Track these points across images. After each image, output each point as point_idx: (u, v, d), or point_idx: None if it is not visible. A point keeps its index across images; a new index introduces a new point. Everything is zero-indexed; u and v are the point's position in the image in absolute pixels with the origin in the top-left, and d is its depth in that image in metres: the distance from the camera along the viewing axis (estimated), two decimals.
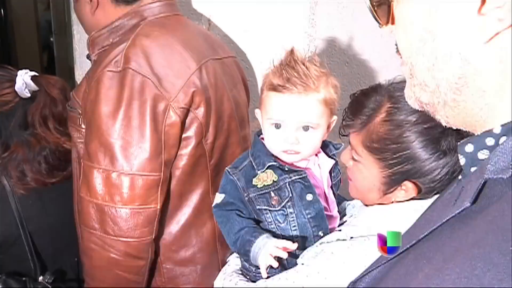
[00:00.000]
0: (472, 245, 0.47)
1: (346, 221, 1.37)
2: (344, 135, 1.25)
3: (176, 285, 1.54)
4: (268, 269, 1.20)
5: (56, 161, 1.66)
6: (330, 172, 1.38)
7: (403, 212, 1.13)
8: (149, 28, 1.44)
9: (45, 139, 1.64)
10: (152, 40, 1.40)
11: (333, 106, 1.30)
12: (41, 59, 3.67)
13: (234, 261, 1.45)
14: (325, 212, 1.33)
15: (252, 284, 1.32)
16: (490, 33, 0.53)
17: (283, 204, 1.29)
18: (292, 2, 2.20)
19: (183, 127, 1.39)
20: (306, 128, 1.27)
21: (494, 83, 0.55)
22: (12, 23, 3.61)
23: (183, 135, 1.41)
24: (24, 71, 1.68)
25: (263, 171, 1.29)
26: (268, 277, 1.26)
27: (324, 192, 1.36)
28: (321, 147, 1.37)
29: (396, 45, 0.66)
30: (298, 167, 1.32)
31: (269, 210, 1.29)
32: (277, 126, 1.28)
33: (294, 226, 1.30)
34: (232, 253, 1.48)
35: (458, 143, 0.61)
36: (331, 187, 1.39)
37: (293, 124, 1.26)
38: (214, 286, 1.42)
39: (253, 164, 1.31)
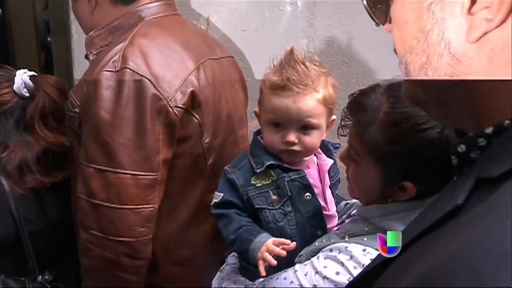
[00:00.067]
0: (462, 242, 0.47)
1: (344, 220, 1.37)
2: (342, 135, 1.25)
3: (174, 284, 1.54)
4: (266, 268, 1.21)
5: (55, 161, 1.66)
6: (328, 172, 1.38)
7: (402, 212, 1.13)
8: (147, 28, 1.44)
9: (44, 139, 1.64)
10: (150, 40, 1.40)
11: (333, 106, 1.31)
12: (39, 59, 3.66)
13: (232, 261, 1.45)
14: (324, 212, 1.33)
15: (250, 284, 1.33)
16: (479, 33, 0.53)
17: (281, 203, 1.29)
18: (290, 2, 2.21)
19: (180, 126, 1.39)
20: (305, 128, 1.27)
21: (485, 82, 0.56)
22: (10, 22, 3.59)
23: (181, 135, 1.41)
24: (22, 70, 1.68)
25: (262, 170, 1.30)
26: (266, 276, 1.27)
27: (323, 192, 1.36)
28: (320, 147, 1.37)
29: (394, 44, 0.66)
30: (297, 166, 1.32)
31: (268, 209, 1.30)
32: (277, 125, 1.28)
33: (293, 225, 1.30)
34: (231, 252, 1.49)
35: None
36: (330, 187, 1.39)
37: (292, 124, 1.27)
38: (212, 286, 1.43)
39: (252, 163, 1.32)
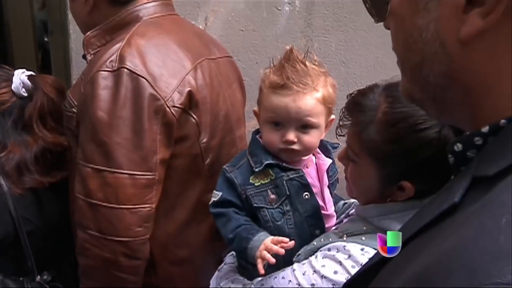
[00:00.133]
0: (458, 240, 0.47)
1: (342, 220, 1.37)
2: (341, 135, 1.25)
3: (172, 284, 1.54)
4: (265, 266, 1.21)
5: (54, 160, 1.66)
6: (327, 172, 1.38)
7: (400, 212, 1.14)
8: (144, 28, 1.44)
9: (42, 138, 1.63)
10: (147, 39, 1.40)
11: (332, 105, 1.31)
12: (37, 59, 3.66)
13: (230, 260, 1.45)
14: (322, 211, 1.34)
15: (248, 283, 1.33)
16: (473, 32, 0.53)
17: (280, 202, 1.30)
18: (288, 2, 2.21)
19: (178, 126, 1.39)
20: (304, 127, 1.28)
21: (480, 81, 0.56)
22: (8, 22, 3.59)
23: (179, 135, 1.41)
24: (21, 70, 1.67)
25: (261, 169, 1.30)
26: (264, 275, 1.27)
27: (321, 191, 1.36)
28: (319, 147, 1.37)
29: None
30: (296, 165, 1.33)
31: (266, 208, 1.30)
32: (276, 124, 1.29)
33: (291, 224, 1.30)
34: (229, 252, 1.49)
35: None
36: (328, 186, 1.39)
37: (292, 123, 1.27)
38: (210, 285, 1.43)
39: (251, 162, 1.32)
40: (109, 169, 1.32)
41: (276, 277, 1.26)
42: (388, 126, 1.11)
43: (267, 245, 1.21)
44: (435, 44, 0.57)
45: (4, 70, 1.68)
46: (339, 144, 1.40)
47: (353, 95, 1.23)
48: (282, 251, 1.20)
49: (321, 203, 1.34)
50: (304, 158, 1.35)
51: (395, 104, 1.12)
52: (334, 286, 1.16)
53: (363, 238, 1.17)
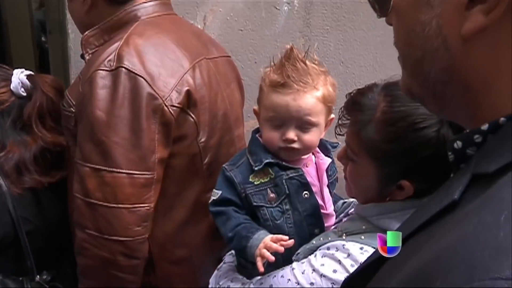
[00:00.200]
0: (457, 236, 0.48)
1: (342, 219, 1.38)
2: (340, 134, 1.26)
3: (171, 284, 1.53)
4: (265, 265, 1.21)
5: (53, 160, 1.66)
6: (326, 171, 1.39)
7: (399, 211, 1.14)
8: (142, 27, 1.44)
9: (41, 138, 1.63)
10: (145, 39, 1.40)
11: (332, 104, 1.31)
12: (35, 58, 3.66)
13: (229, 259, 1.45)
14: (322, 210, 1.34)
15: (247, 281, 1.33)
16: (475, 29, 0.54)
17: (279, 201, 1.30)
18: (287, 2, 2.21)
19: (176, 126, 1.39)
20: (305, 125, 1.28)
21: (480, 78, 0.56)
22: (7, 22, 3.59)
23: (177, 134, 1.40)
24: (19, 70, 1.67)
25: (260, 168, 1.30)
26: (263, 274, 1.27)
27: (321, 190, 1.36)
28: (318, 146, 1.38)
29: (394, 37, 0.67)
30: (296, 164, 1.33)
31: (266, 207, 1.30)
32: (276, 123, 1.29)
33: (290, 223, 1.30)
34: (228, 251, 1.49)
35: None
36: (328, 186, 1.40)
37: (292, 121, 1.27)
38: (210, 284, 1.43)
39: (250, 161, 1.32)
40: (107, 168, 1.32)
41: (275, 276, 1.26)
42: (387, 125, 1.11)
43: (267, 243, 1.21)
44: (437, 39, 0.57)
45: (3, 70, 1.68)
46: (338, 143, 1.40)
47: (352, 94, 1.23)
48: (282, 249, 1.20)
49: (320, 202, 1.34)
50: (303, 157, 1.36)
51: (394, 103, 1.12)
52: (333, 285, 1.16)
53: (362, 237, 1.17)
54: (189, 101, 1.41)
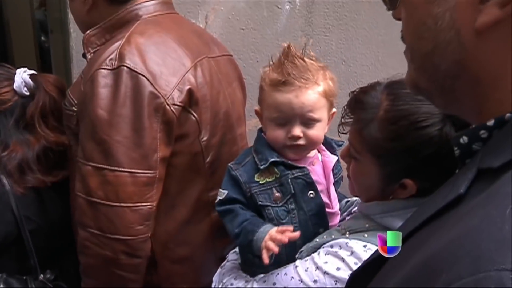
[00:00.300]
0: (463, 229, 0.48)
1: (345, 218, 1.38)
2: (343, 133, 1.26)
3: (173, 283, 1.54)
4: (271, 260, 1.20)
5: (56, 159, 1.66)
6: (332, 169, 1.38)
7: (402, 209, 1.14)
8: (144, 26, 1.44)
9: (44, 137, 1.64)
10: (147, 38, 1.40)
11: (333, 98, 1.31)
12: (37, 58, 3.66)
13: (233, 257, 1.45)
14: (327, 209, 1.33)
15: (251, 279, 1.33)
16: (489, 22, 0.53)
17: (285, 200, 1.30)
18: (289, 0, 2.21)
19: (178, 124, 1.39)
20: (309, 121, 1.28)
21: (489, 73, 0.56)
22: (8, 21, 3.59)
23: (179, 133, 1.41)
24: (22, 69, 1.68)
25: (266, 167, 1.30)
26: (267, 272, 1.27)
27: (327, 189, 1.36)
28: (324, 144, 1.38)
29: (401, 31, 0.67)
30: (302, 163, 1.33)
31: (271, 206, 1.30)
32: (280, 121, 1.29)
33: (295, 222, 1.30)
34: (231, 249, 1.49)
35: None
36: (333, 184, 1.39)
37: (296, 118, 1.27)
38: (213, 282, 1.43)
39: (256, 160, 1.32)
40: (109, 167, 1.32)
41: (278, 273, 1.26)
42: (390, 124, 1.11)
43: (272, 235, 1.21)
44: (450, 32, 0.57)
45: (6, 69, 1.69)
46: (343, 141, 1.40)
47: (355, 92, 1.23)
48: (286, 239, 1.19)
49: (326, 200, 1.34)
50: (310, 155, 1.36)
51: (396, 101, 1.12)
52: (337, 283, 1.16)
53: (366, 235, 1.17)
54: (190, 99, 1.41)
